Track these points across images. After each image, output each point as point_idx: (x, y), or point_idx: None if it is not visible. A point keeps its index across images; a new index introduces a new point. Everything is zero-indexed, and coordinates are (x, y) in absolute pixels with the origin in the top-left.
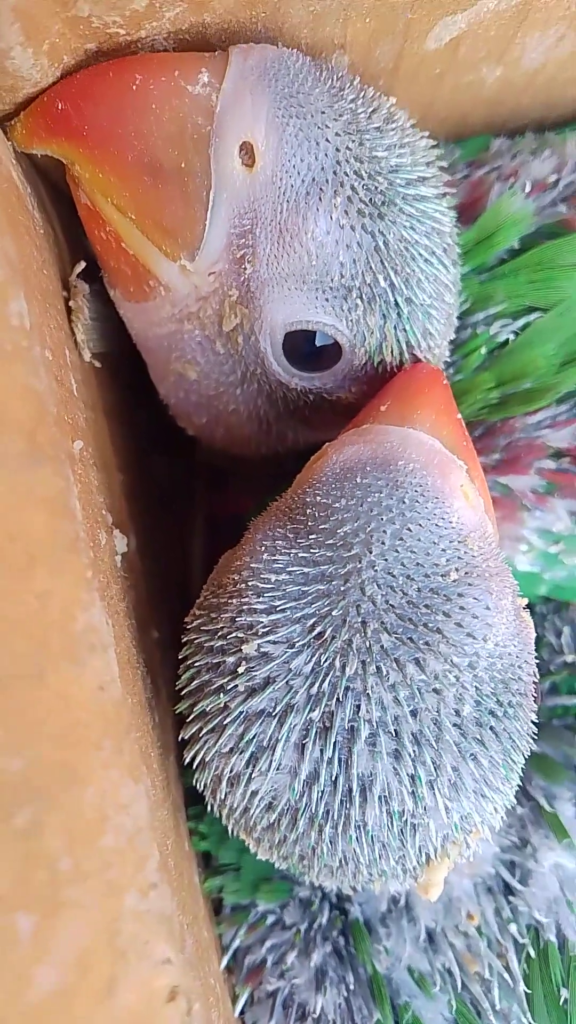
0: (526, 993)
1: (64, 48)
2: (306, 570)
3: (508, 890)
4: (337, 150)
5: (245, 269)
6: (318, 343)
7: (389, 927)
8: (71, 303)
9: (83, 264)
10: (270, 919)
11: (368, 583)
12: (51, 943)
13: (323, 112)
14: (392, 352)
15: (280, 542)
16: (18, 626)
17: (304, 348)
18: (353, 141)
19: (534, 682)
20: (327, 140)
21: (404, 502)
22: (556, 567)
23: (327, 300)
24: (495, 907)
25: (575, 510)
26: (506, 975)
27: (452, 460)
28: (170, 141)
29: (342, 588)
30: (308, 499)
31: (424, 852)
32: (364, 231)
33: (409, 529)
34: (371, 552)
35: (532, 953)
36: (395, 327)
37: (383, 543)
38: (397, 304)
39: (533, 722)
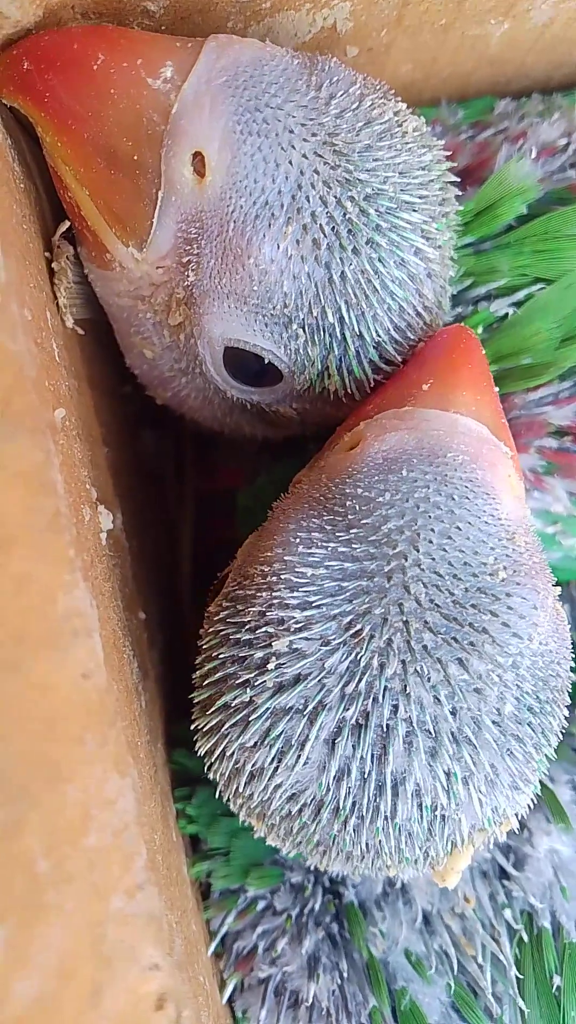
0: (517, 978)
1: None
2: (345, 565)
3: (503, 875)
4: (301, 173)
5: (188, 276)
6: (257, 363)
7: (384, 909)
8: (54, 265)
9: (67, 224)
10: (261, 904)
11: (413, 581)
12: (30, 951)
13: (292, 131)
14: (336, 383)
15: (316, 534)
16: None
17: (244, 364)
18: (326, 163)
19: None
20: (290, 162)
21: (453, 498)
22: (553, 547)
23: (266, 325)
24: (490, 892)
25: (575, 491)
26: (501, 958)
27: (499, 449)
28: (125, 131)
29: (385, 585)
30: (348, 490)
31: (451, 842)
32: (317, 263)
33: (458, 527)
34: (418, 550)
35: (525, 938)
36: (339, 361)
37: (430, 541)
38: (345, 339)
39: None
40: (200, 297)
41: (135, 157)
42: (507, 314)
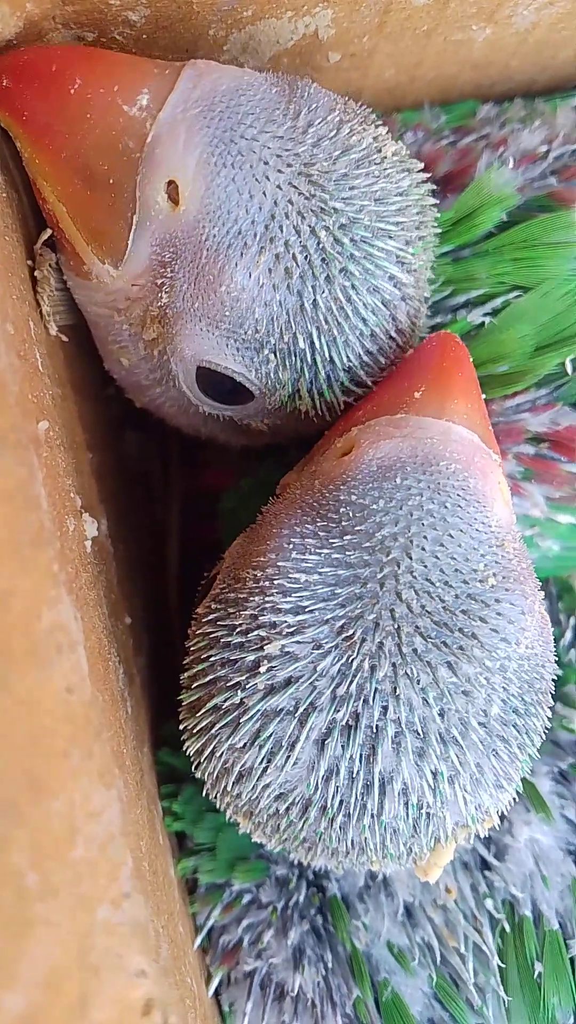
0: (500, 967)
1: None
2: (339, 571)
3: (485, 865)
4: (275, 203)
5: (162, 297)
6: (230, 382)
7: (367, 902)
8: (36, 273)
9: (49, 232)
10: (246, 898)
11: (405, 588)
12: (18, 965)
13: (267, 162)
14: (306, 404)
15: (310, 540)
16: None
17: (216, 382)
18: (300, 194)
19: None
20: (264, 193)
21: (446, 506)
22: (531, 549)
23: (238, 349)
24: (472, 883)
25: (552, 496)
26: (484, 948)
27: (490, 456)
28: (102, 153)
29: (378, 592)
30: (342, 496)
31: (435, 838)
32: (288, 291)
33: (451, 535)
34: (411, 557)
35: (507, 928)
36: (310, 384)
37: (423, 548)
38: (316, 364)
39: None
40: (174, 317)
41: (111, 180)
42: (483, 323)
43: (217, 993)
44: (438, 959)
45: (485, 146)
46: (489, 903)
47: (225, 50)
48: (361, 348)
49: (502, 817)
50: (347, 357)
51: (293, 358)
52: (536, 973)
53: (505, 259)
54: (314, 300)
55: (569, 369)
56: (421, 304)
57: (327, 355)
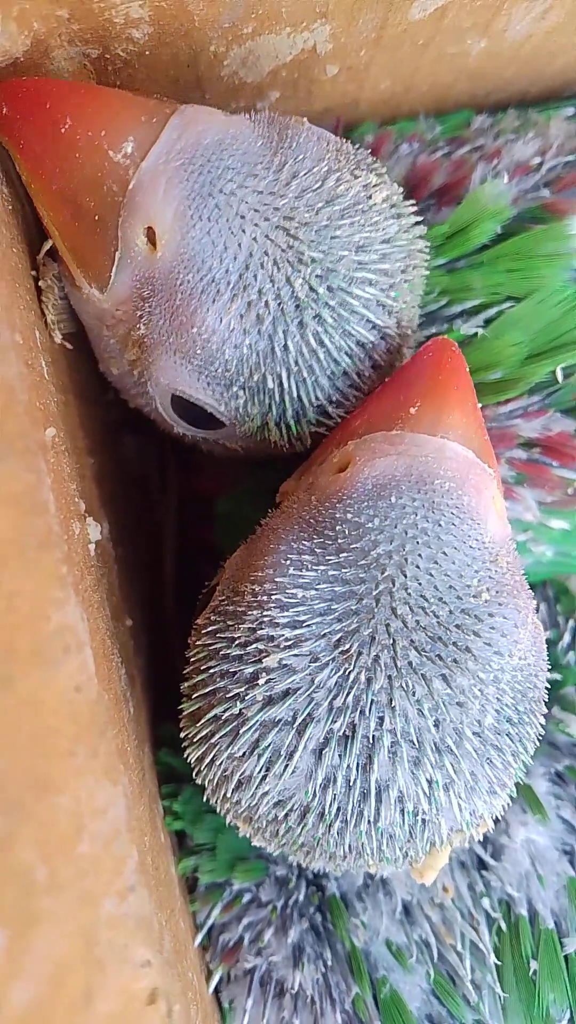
0: (496, 965)
1: (34, 14)
2: (335, 588)
3: (481, 865)
4: (250, 255)
5: (140, 327)
6: (203, 410)
7: (366, 901)
8: (41, 283)
9: (50, 242)
10: (246, 897)
11: (400, 604)
12: (26, 957)
13: (243, 216)
14: (275, 436)
15: (307, 557)
16: None
17: (189, 408)
18: (277, 246)
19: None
20: (239, 245)
21: (440, 525)
22: (524, 554)
23: (208, 384)
24: (468, 882)
25: (544, 500)
26: (481, 946)
27: (485, 472)
28: (88, 192)
29: (374, 607)
30: (338, 515)
31: (430, 843)
32: (259, 335)
33: (444, 552)
34: (405, 575)
35: (504, 927)
36: (278, 420)
37: (418, 566)
38: (284, 402)
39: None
40: (151, 346)
41: (96, 216)
42: (476, 332)
43: (217, 991)
44: (435, 957)
45: (479, 158)
46: (486, 902)
47: (225, 65)
48: (332, 388)
49: (498, 820)
50: (316, 396)
51: (262, 395)
52: (532, 971)
53: (499, 270)
54: (285, 344)
55: (560, 377)
56: (405, 338)
57: (295, 394)
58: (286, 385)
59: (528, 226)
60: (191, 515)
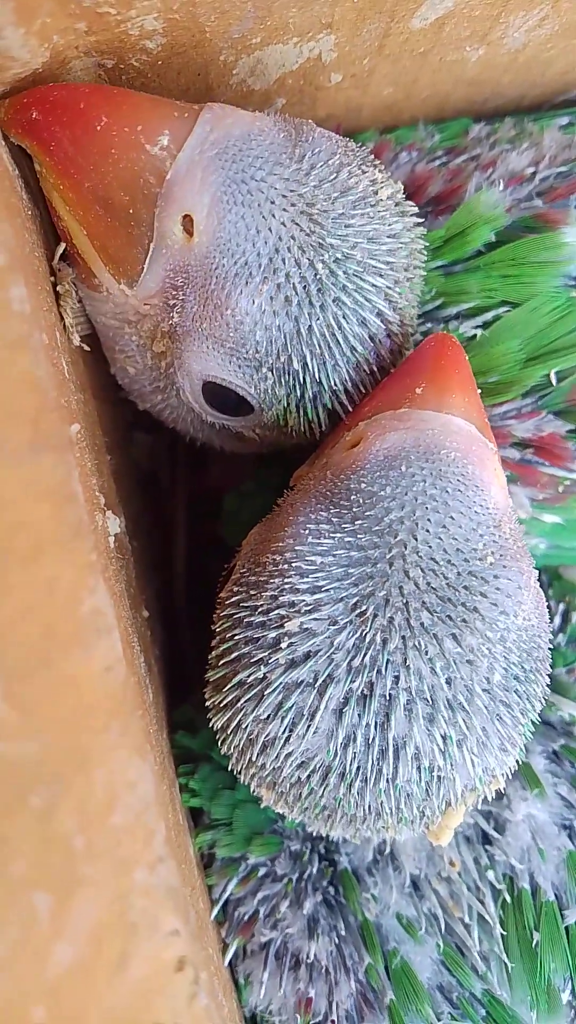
0: (502, 935)
1: (54, 28)
2: (351, 553)
3: (486, 839)
4: (279, 239)
5: (173, 316)
6: (235, 396)
7: (376, 875)
8: (59, 287)
9: (63, 246)
10: (261, 871)
11: (412, 567)
12: (67, 920)
13: (273, 201)
14: (295, 421)
15: (324, 526)
16: (28, 614)
17: (221, 395)
18: (302, 230)
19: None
20: (270, 229)
21: (448, 491)
22: None
23: (239, 367)
24: (474, 856)
25: (536, 497)
26: (487, 917)
27: (487, 445)
28: (123, 187)
29: (388, 571)
30: (352, 485)
31: (445, 801)
32: (287, 317)
33: (452, 517)
34: (416, 539)
35: (508, 899)
36: (298, 404)
37: (427, 530)
38: (305, 384)
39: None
40: (182, 335)
41: (130, 210)
42: (475, 335)
43: (231, 965)
44: (444, 928)
45: (475, 167)
46: (491, 875)
47: (234, 73)
48: (346, 374)
49: (502, 794)
50: (334, 381)
51: (287, 376)
52: (534, 942)
53: (494, 275)
54: (309, 326)
55: (554, 380)
56: (403, 344)
57: (316, 376)
58: (309, 366)
59: (521, 234)
60: (200, 511)
